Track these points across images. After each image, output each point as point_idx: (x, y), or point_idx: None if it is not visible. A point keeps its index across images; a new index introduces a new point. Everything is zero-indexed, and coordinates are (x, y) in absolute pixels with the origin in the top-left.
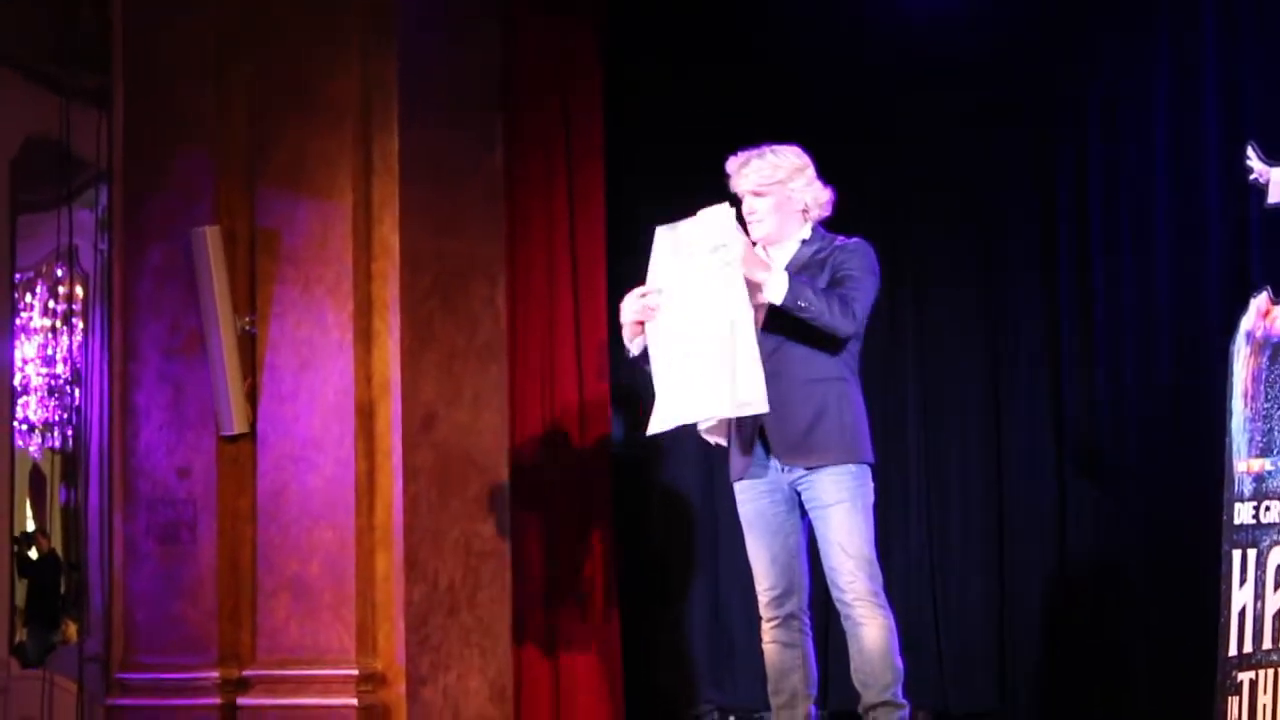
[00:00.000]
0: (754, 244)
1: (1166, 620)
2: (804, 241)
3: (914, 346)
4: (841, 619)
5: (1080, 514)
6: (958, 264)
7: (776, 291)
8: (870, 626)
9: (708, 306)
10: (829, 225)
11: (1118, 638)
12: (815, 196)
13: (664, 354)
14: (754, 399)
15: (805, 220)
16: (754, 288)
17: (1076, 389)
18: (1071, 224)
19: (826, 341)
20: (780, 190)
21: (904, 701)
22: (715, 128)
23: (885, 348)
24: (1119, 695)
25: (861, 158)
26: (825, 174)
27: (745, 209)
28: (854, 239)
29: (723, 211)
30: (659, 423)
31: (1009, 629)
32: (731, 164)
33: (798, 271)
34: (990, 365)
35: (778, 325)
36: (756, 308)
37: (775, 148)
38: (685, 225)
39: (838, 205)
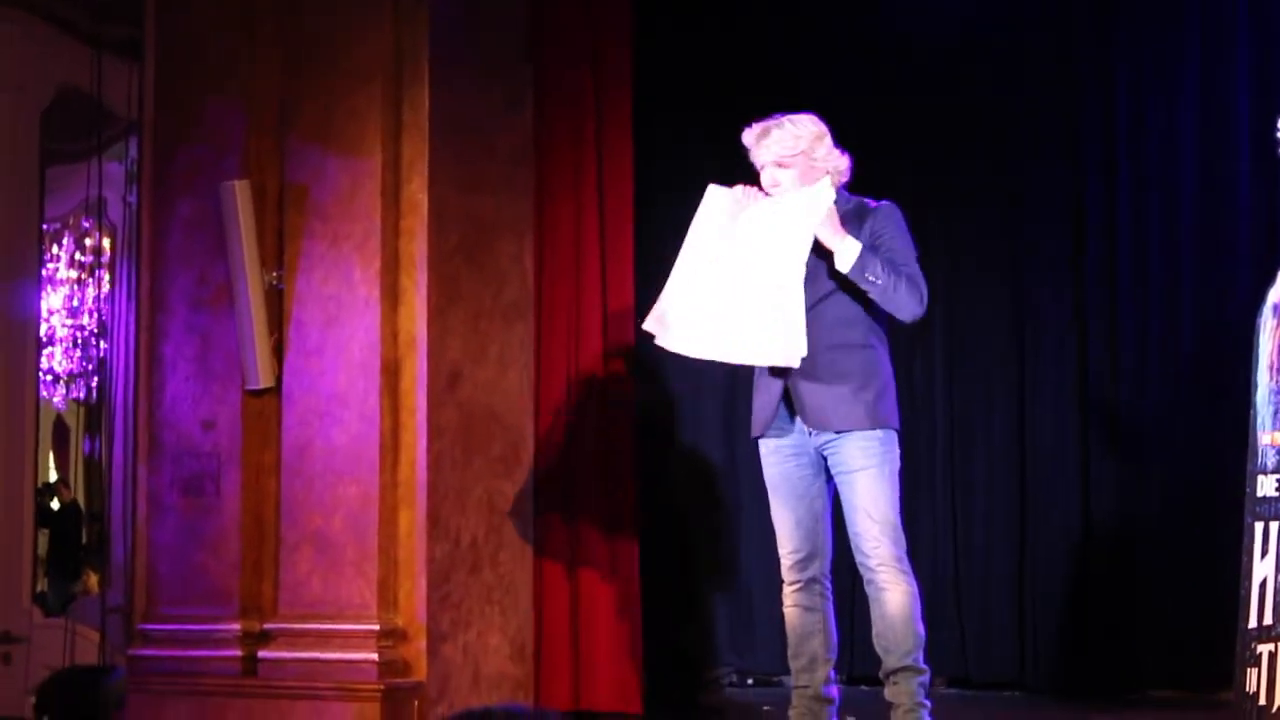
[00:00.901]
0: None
1: (1187, 592)
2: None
3: (940, 315)
4: (865, 584)
5: (1103, 485)
6: (984, 233)
7: (846, 260)
8: (893, 592)
9: (769, 254)
10: (850, 188)
11: (1138, 609)
12: (836, 163)
13: (708, 280)
14: (794, 354)
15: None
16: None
17: (1101, 360)
18: (1098, 194)
19: (847, 309)
20: (804, 160)
21: (925, 667)
22: (744, 88)
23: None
24: (1138, 666)
25: (888, 122)
26: (852, 138)
27: (767, 180)
28: (884, 202)
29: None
30: (677, 341)
31: (1030, 599)
32: (748, 136)
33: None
34: (1016, 336)
35: (814, 290)
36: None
37: (792, 117)
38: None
39: (866, 169)
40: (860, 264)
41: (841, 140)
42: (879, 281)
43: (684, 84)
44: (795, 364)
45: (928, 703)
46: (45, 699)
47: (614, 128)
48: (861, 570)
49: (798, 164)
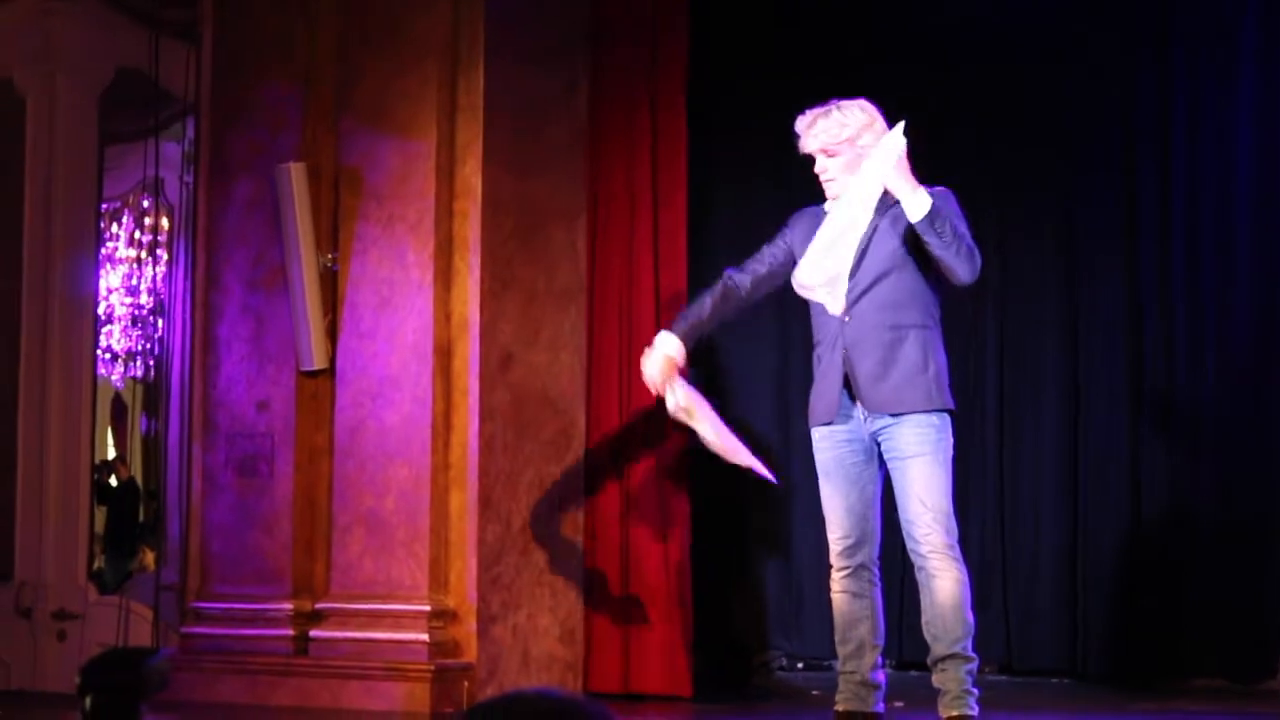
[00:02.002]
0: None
1: (1235, 582)
2: (885, 192)
3: (993, 304)
4: (915, 570)
5: (1153, 474)
6: (1037, 223)
7: (917, 210)
8: (944, 579)
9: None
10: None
11: (1186, 598)
12: None
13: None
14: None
15: None
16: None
17: (1154, 350)
18: (1152, 186)
19: (901, 290)
20: (849, 148)
21: (974, 655)
22: (798, 72)
23: (964, 301)
24: (1185, 655)
25: (944, 110)
26: (908, 119)
27: (817, 168)
28: (938, 187)
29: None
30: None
31: (1079, 587)
32: (800, 124)
33: (880, 218)
34: (1069, 325)
35: (868, 267)
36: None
37: (841, 104)
38: None
39: (921, 156)
40: (930, 215)
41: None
42: (945, 236)
43: (740, 67)
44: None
45: (975, 690)
46: (88, 679)
47: (668, 112)
48: (912, 556)
49: (843, 151)
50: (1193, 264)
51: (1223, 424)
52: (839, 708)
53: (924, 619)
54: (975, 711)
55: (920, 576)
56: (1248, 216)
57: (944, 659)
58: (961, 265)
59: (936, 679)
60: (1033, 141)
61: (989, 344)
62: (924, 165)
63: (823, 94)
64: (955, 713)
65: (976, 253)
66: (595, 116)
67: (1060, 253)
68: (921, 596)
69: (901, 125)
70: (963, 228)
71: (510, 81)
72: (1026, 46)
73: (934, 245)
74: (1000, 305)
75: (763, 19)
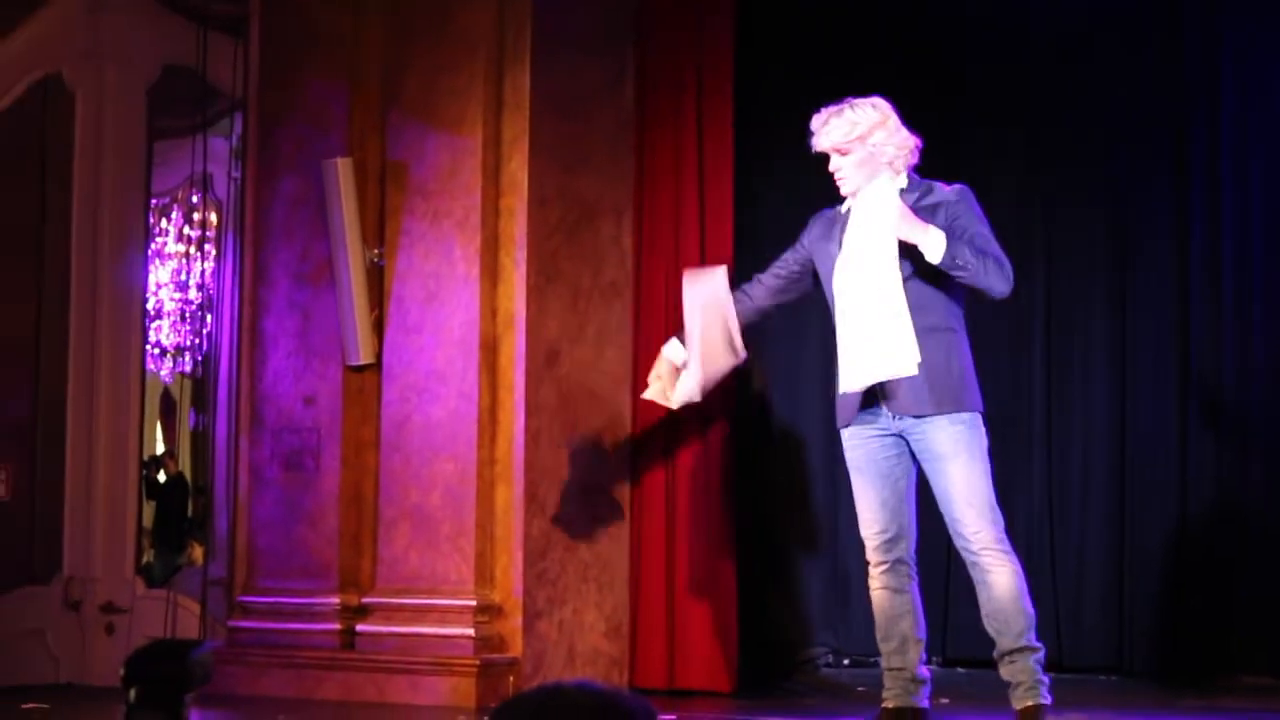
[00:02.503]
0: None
1: None
2: (901, 191)
3: (1041, 299)
4: (968, 567)
5: (1202, 470)
6: (1085, 217)
7: (935, 251)
8: (999, 574)
9: (863, 274)
10: (926, 171)
11: (1235, 595)
12: (900, 146)
13: (840, 321)
14: (909, 362)
15: (894, 171)
16: (910, 247)
17: (1203, 345)
18: (1201, 177)
19: (927, 295)
20: (861, 146)
21: (1039, 644)
22: (845, 67)
23: (1012, 299)
24: (1234, 652)
25: (998, 83)
26: (954, 118)
27: (830, 166)
28: (955, 185)
29: (880, 184)
30: (848, 383)
31: (1127, 584)
32: (815, 122)
33: None
34: (1116, 321)
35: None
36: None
37: (855, 102)
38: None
39: (973, 135)
40: (950, 252)
41: (944, 120)
42: (969, 267)
43: (786, 62)
44: (913, 370)
45: (1046, 679)
46: (132, 671)
47: (715, 107)
48: (964, 554)
49: (855, 149)
50: (1242, 259)
51: (1271, 418)
52: (887, 704)
53: (984, 613)
54: (1049, 700)
55: (974, 573)
56: None
57: (1011, 652)
58: (993, 283)
59: (1005, 672)
60: (1083, 121)
61: (1036, 343)
62: (969, 163)
63: (871, 81)
64: (1031, 702)
65: (1005, 262)
66: (641, 108)
67: (1109, 253)
68: (979, 592)
69: (885, 177)
70: (985, 236)
71: (557, 74)
72: (1080, 24)
73: (962, 277)
74: (1047, 304)
75: (811, 11)
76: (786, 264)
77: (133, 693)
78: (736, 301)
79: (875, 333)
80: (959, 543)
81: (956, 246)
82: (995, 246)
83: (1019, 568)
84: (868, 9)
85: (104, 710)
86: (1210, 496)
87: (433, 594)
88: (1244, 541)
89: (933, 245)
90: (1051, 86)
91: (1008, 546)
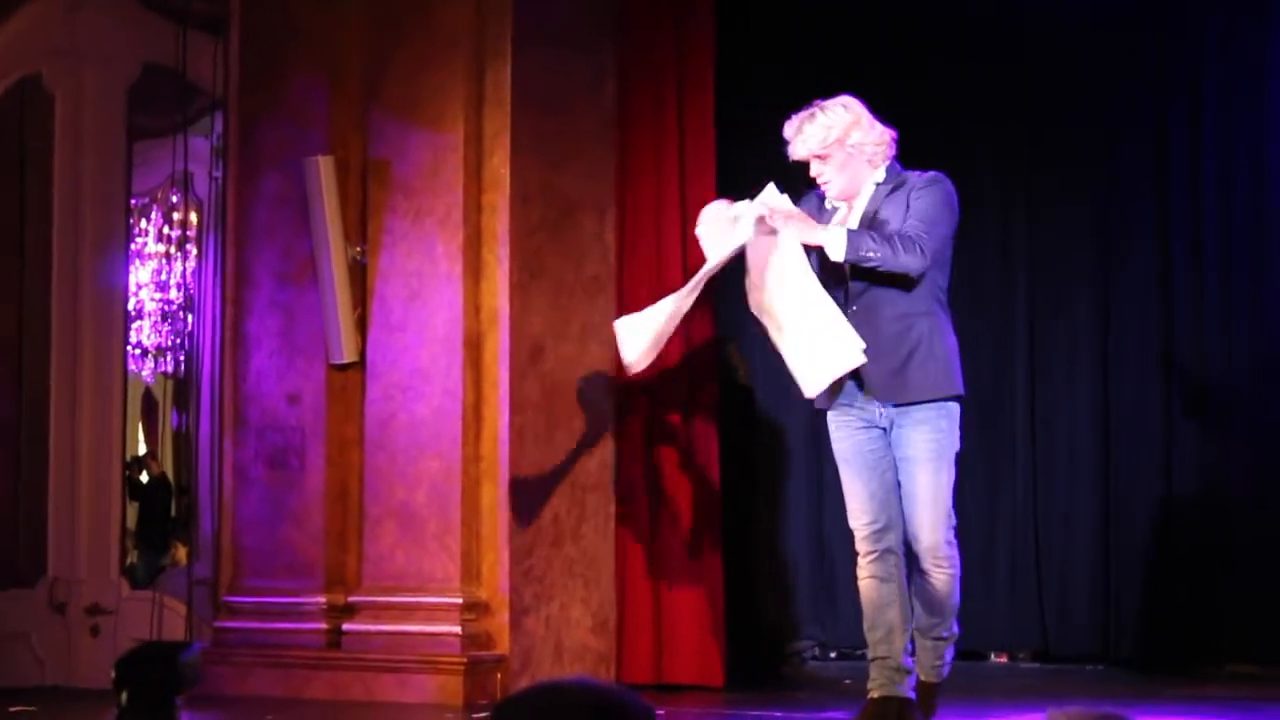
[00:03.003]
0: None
1: (1269, 567)
2: (878, 184)
3: (1024, 285)
4: (913, 559)
5: (1186, 459)
6: (1068, 203)
7: (837, 249)
8: (940, 576)
9: (781, 279)
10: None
11: (1220, 584)
12: (877, 142)
13: (774, 333)
14: (855, 353)
15: (874, 166)
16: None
17: (1186, 332)
18: (1183, 162)
19: (899, 281)
20: (840, 149)
21: (956, 631)
22: (826, 61)
23: (996, 282)
24: (1219, 641)
25: (973, 91)
26: (935, 106)
27: (813, 172)
28: (930, 172)
29: (767, 190)
30: (809, 388)
31: (1113, 574)
32: (788, 131)
33: (875, 212)
34: (1100, 308)
35: (861, 270)
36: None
37: (824, 105)
38: (739, 207)
39: (954, 130)
40: (852, 246)
41: (926, 109)
42: (876, 255)
43: (767, 57)
44: (862, 359)
45: (950, 660)
46: (123, 674)
47: (696, 103)
48: (913, 549)
49: (834, 153)
50: (1223, 244)
51: (1255, 408)
52: (873, 694)
53: (915, 599)
54: (943, 677)
55: (916, 568)
56: (1277, 205)
57: (933, 637)
58: (903, 263)
59: (920, 647)
60: (1066, 115)
61: (1019, 330)
62: (953, 155)
63: (853, 77)
64: (934, 680)
65: (924, 250)
66: (623, 104)
67: (1092, 239)
68: (913, 582)
69: (770, 187)
70: (922, 218)
71: (538, 71)
72: (1060, 21)
73: (875, 266)
74: (1030, 290)
75: (791, 9)
76: None
77: (124, 695)
78: None
79: (808, 337)
80: (911, 540)
81: (858, 240)
82: (928, 228)
83: (959, 568)
84: (846, 6)
85: (91, 712)
86: (1195, 486)
87: (419, 592)
88: (1229, 531)
89: (834, 244)
90: (1033, 81)
91: (954, 549)
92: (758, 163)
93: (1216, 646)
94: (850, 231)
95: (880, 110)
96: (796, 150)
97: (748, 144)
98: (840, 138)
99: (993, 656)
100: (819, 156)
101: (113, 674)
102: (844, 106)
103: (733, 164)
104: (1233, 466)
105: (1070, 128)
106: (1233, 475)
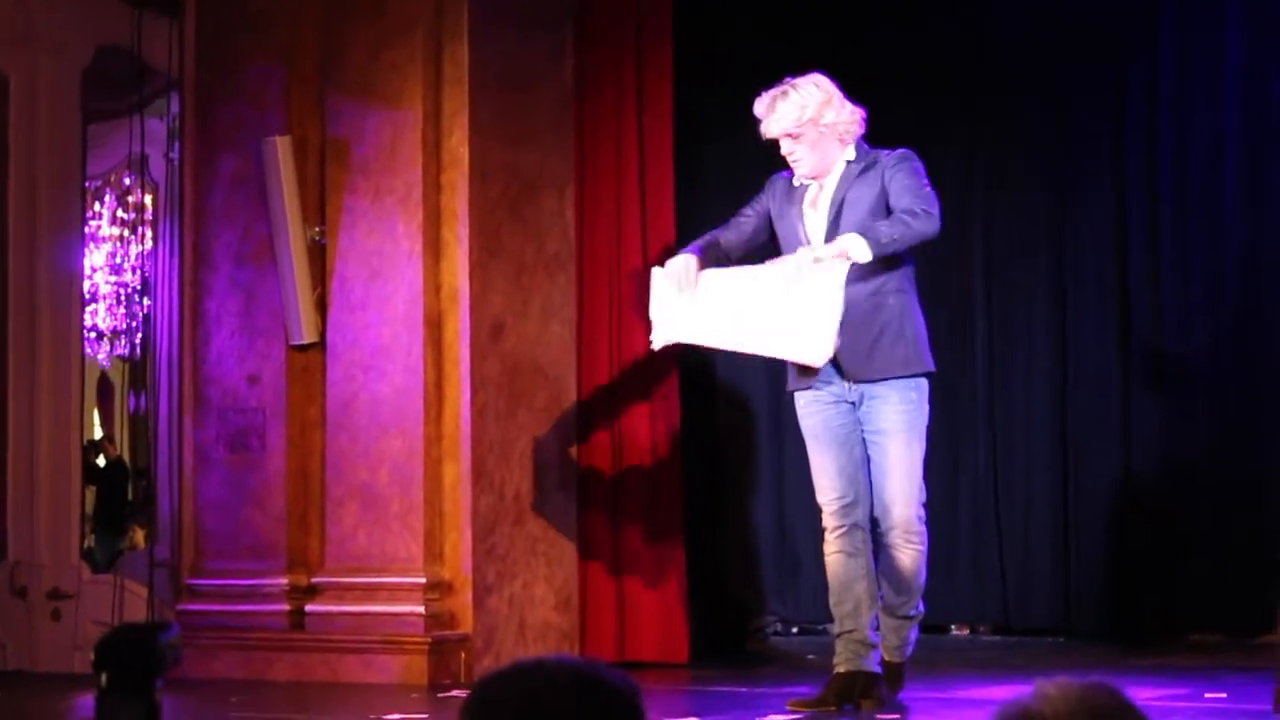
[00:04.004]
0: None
1: (1229, 536)
2: (849, 162)
3: (980, 260)
4: (880, 535)
5: (1144, 429)
6: (1025, 176)
7: (863, 254)
8: (909, 551)
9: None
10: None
11: (1180, 554)
12: (849, 120)
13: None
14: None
15: (844, 144)
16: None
17: (1143, 302)
18: (1140, 132)
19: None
20: (813, 128)
21: (921, 611)
22: (784, 39)
23: (953, 259)
24: (1180, 610)
25: (932, 68)
26: (894, 82)
27: (784, 150)
28: (898, 149)
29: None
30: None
31: (1072, 544)
32: (758, 108)
33: (846, 192)
34: (1056, 279)
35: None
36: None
37: (795, 82)
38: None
39: (908, 113)
40: (876, 246)
41: (883, 84)
42: (896, 241)
43: (725, 26)
44: (820, 364)
45: (914, 641)
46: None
47: (655, 80)
48: (880, 524)
49: (807, 131)
50: (1180, 214)
51: (1213, 377)
52: (839, 669)
53: (881, 576)
54: (907, 656)
55: (884, 543)
56: (1235, 175)
57: (899, 616)
58: (925, 231)
59: (885, 625)
60: (1021, 103)
61: (977, 305)
62: (910, 130)
63: (813, 54)
64: (898, 660)
65: (926, 203)
66: (582, 82)
67: (1049, 211)
68: (880, 558)
69: (802, 254)
70: (915, 185)
71: (496, 50)
72: (1012, 12)
73: (901, 249)
74: (987, 265)
75: None
76: (745, 223)
77: (103, 678)
78: (711, 248)
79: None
80: (879, 515)
81: (875, 232)
82: (921, 191)
83: (927, 545)
84: None
85: (53, 696)
86: (1154, 458)
87: (382, 572)
88: (1189, 501)
89: (857, 251)
90: (990, 56)
91: (923, 525)
92: (718, 137)
93: (1180, 616)
94: (861, 233)
95: (843, 86)
96: (770, 128)
97: (708, 120)
98: (814, 116)
99: (954, 630)
100: (791, 135)
101: (91, 655)
102: (815, 85)
103: (691, 140)
104: (1191, 439)
105: (1025, 106)
106: (1191, 447)
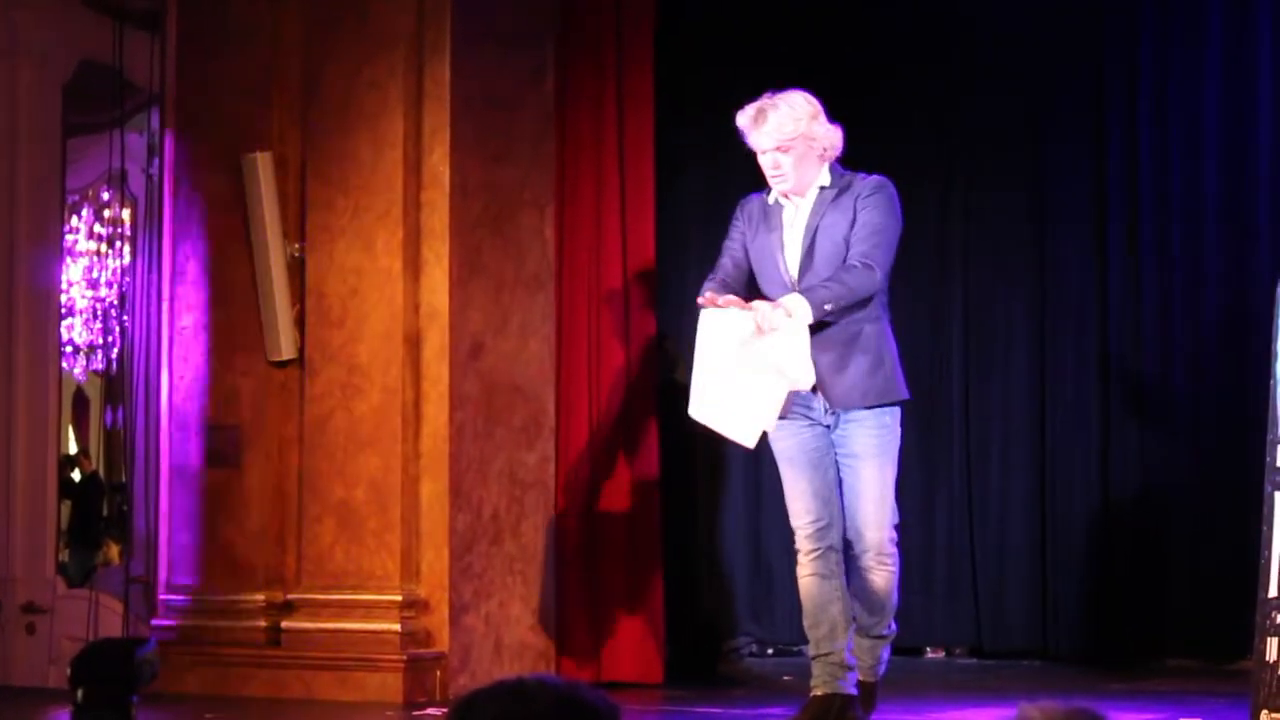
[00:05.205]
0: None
1: (1207, 562)
2: (822, 187)
3: (960, 283)
4: (853, 558)
5: (1123, 454)
6: (1005, 200)
7: (804, 318)
8: (881, 574)
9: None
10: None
11: (1157, 579)
12: (832, 138)
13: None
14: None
15: (822, 163)
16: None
17: (1122, 329)
18: (1120, 161)
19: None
20: (802, 142)
21: (893, 631)
22: (765, 56)
23: (932, 283)
24: (1158, 635)
25: (914, 73)
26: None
27: (768, 164)
28: (873, 176)
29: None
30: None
31: (1049, 568)
32: (742, 119)
33: (820, 219)
34: (1036, 304)
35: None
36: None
37: (784, 97)
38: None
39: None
40: (817, 311)
41: (862, 107)
42: (834, 300)
43: (706, 46)
44: (806, 386)
45: (886, 660)
46: (79, 672)
47: (636, 100)
48: (853, 546)
49: (796, 146)
50: (1161, 242)
51: (1192, 404)
52: (816, 692)
53: (854, 597)
54: (880, 675)
55: (856, 565)
56: (1216, 193)
57: (872, 636)
58: (861, 293)
59: (858, 646)
60: (1002, 113)
61: (955, 327)
62: (891, 137)
63: (790, 71)
64: (871, 680)
65: (874, 266)
66: (562, 101)
67: (1029, 237)
68: (853, 579)
69: (737, 311)
70: (864, 233)
71: (478, 68)
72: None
73: (842, 309)
74: (966, 288)
75: (731, 6)
76: (731, 262)
77: (80, 693)
78: (727, 286)
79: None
80: (852, 538)
81: (816, 297)
82: (879, 243)
83: (899, 566)
84: (788, 4)
85: (27, 710)
86: (1132, 480)
87: (358, 590)
88: (1167, 524)
89: (799, 315)
90: (968, 62)
91: (895, 546)
92: (698, 156)
93: (1155, 641)
94: (804, 294)
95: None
96: (760, 141)
97: (688, 139)
98: (805, 131)
99: (928, 652)
100: (782, 148)
101: (67, 670)
102: (804, 99)
103: (672, 159)
104: (1170, 460)
105: (1005, 115)
106: (1170, 469)
